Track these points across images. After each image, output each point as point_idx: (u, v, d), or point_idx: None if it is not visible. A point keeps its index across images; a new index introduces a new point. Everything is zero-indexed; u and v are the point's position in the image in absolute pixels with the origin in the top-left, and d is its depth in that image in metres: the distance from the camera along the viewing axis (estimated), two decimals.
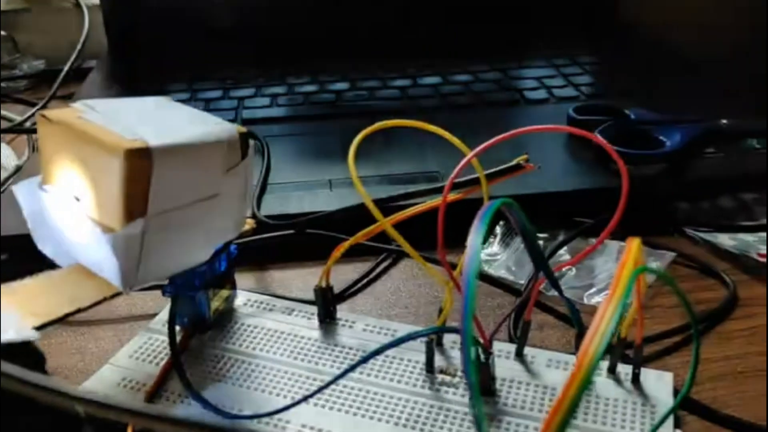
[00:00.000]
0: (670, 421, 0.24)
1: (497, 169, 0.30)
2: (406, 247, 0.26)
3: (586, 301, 0.33)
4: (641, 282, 0.24)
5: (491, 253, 0.37)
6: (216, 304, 0.29)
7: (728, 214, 0.41)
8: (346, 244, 0.29)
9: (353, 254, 0.37)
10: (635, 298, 0.25)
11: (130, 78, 0.62)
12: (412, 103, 0.53)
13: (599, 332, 0.16)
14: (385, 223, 0.26)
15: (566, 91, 0.55)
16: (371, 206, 0.25)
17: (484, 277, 0.36)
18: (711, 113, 0.46)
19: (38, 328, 0.22)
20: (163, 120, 0.25)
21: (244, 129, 0.25)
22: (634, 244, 0.20)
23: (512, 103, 0.54)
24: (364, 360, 0.23)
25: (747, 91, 0.55)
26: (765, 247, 0.37)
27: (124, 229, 0.22)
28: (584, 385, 0.15)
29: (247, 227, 0.29)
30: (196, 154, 0.23)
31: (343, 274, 0.36)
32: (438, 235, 0.25)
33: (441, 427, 0.25)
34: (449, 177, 0.26)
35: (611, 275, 0.35)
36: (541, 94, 0.55)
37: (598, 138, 0.27)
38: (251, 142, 0.26)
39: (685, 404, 0.27)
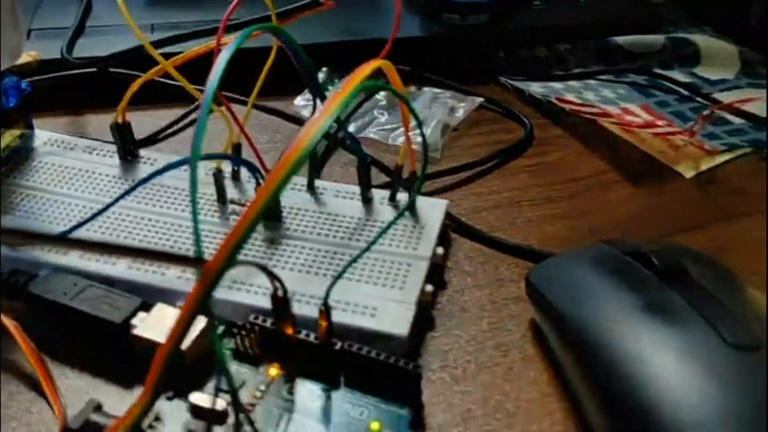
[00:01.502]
0: (433, 239, 0.27)
1: (291, 6, 0.30)
2: (188, 87, 0.26)
3: (391, 141, 0.35)
4: (407, 118, 0.26)
5: (309, 98, 0.38)
6: (6, 141, 0.29)
7: (543, 64, 0.43)
8: (138, 82, 0.28)
9: (174, 99, 0.37)
10: (405, 132, 0.27)
11: None
12: None
13: (307, 135, 0.17)
14: (166, 65, 0.26)
15: None
16: (150, 49, 0.25)
17: (293, 118, 0.37)
18: None
19: None
20: None
21: None
22: (369, 64, 0.21)
23: None
24: (136, 186, 0.23)
25: None
26: (567, 94, 0.39)
27: None
28: (278, 189, 0.17)
29: (28, 59, 0.28)
30: None
31: (162, 119, 0.36)
32: (211, 73, 0.25)
33: None
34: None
35: (422, 118, 0.36)
36: None
37: None
38: None
39: (458, 228, 0.30)
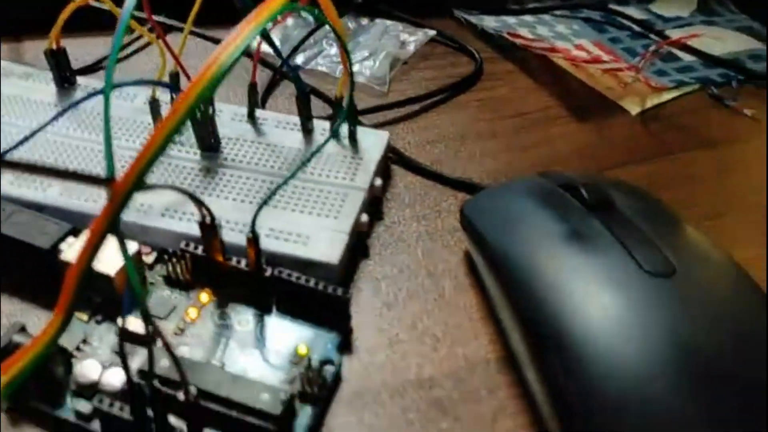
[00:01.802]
0: (371, 170, 0.27)
1: None
2: (115, 11, 0.26)
3: (338, 73, 0.35)
4: (342, 43, 0.25)
5: None
6: None
7: None
8: (69, 7, 0.27)
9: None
10: (342, 63, 0.26)
11: None
12: None
13: (217, 59, 0.17)
14: None
15: None
16: None
17: None
18: None
19: None
20: None
21: None
22: None
23: None
24: (61, 113, 0.23)
25: None
26: (520, 29, 0.39)
27: None
28: (186, 112, 0.16)
29: None
30: None
31: (106, 47, 0.36)
32: None
33: (166, 180, 0.26)
34: None
35: (371, 50, 0.36)
36: None
37: None
38: None
39: (400, 161, 0.30)
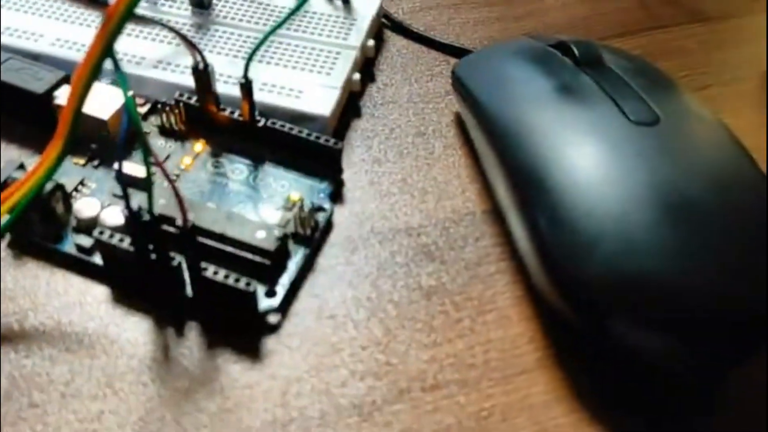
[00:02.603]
0: (364, 30, 0.27)
1: None
2: None
3: None
4: None
5: None
6: None
7: None
8: None
9: None
10: None
11: None
12: None
13: None
14: None
15: None
16: None
17: None
18: None
19: None
20: None
21: None
22: None
23: None
24: None
25: None
26: None
27: None
28: None
29: None
30: None
31: None
32: None
33: (157, 35, 0.26)
34: None
35: None
36: None
37: None
38: None
39: (393, 26, 0.30)
